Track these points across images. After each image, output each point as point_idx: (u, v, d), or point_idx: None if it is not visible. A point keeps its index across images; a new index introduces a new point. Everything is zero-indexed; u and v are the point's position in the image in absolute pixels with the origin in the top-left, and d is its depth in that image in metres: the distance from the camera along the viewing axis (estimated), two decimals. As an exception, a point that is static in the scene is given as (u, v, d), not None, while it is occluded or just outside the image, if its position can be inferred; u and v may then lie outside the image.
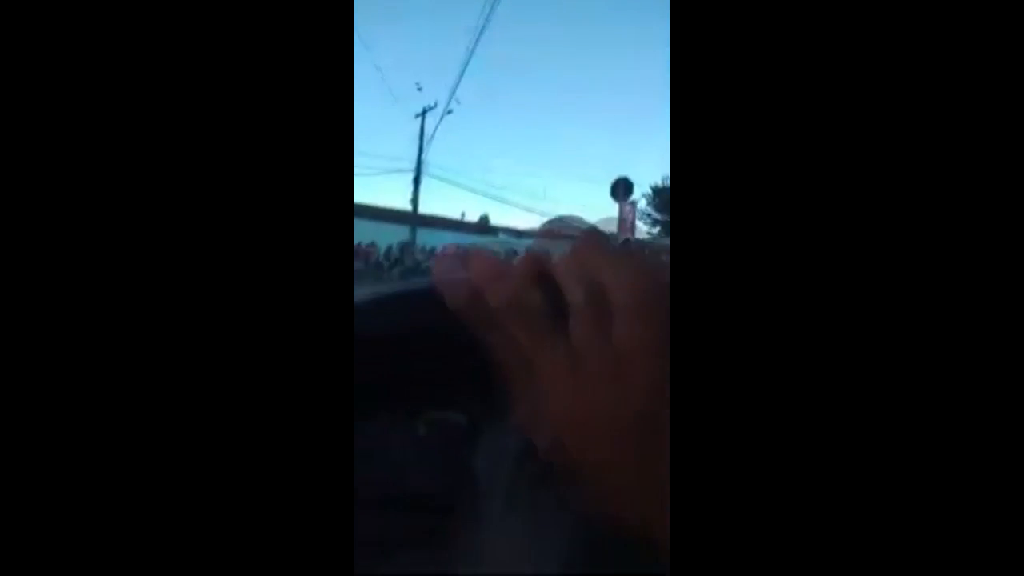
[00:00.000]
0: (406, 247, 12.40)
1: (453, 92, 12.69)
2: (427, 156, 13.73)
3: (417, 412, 0.29)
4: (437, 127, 13.60)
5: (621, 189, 8.01)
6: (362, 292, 0.26)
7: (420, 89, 14.06)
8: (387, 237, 12.05)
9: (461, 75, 12.46)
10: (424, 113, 13.68)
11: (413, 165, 13.66)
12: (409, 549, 0.26)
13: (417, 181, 13.57)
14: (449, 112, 13.21)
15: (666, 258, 0.22)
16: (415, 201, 13.71)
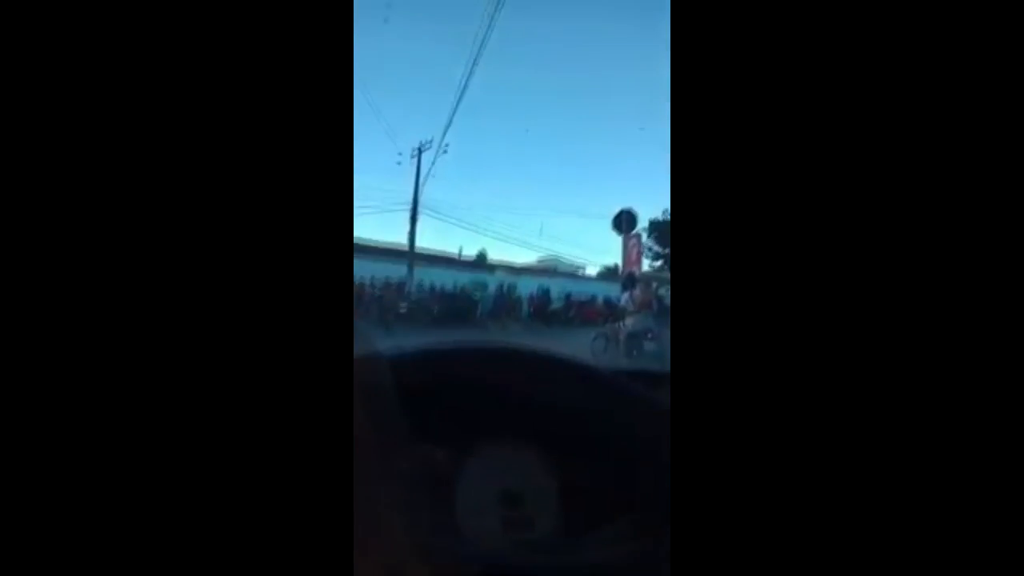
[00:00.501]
0: (402, 284, 12.14)
1: (447, 129, 12.75)
2: (423, 194, 13.68)
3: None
4: (433, 164, 13.61)
5: (624, 221, 7.86)
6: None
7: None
8: (385, 274, 11.80)
9: (453, 113, 12.57)
10: (420, 151, 13.72)
11: (409, 203, 13.57)
12: None
13: (414, 218, 13.44)
14: (445, 151, 13.26)
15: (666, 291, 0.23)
16: (412, 237, 13.54)
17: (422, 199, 13.52)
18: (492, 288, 12.78)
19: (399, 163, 13.74)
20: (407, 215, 13.41)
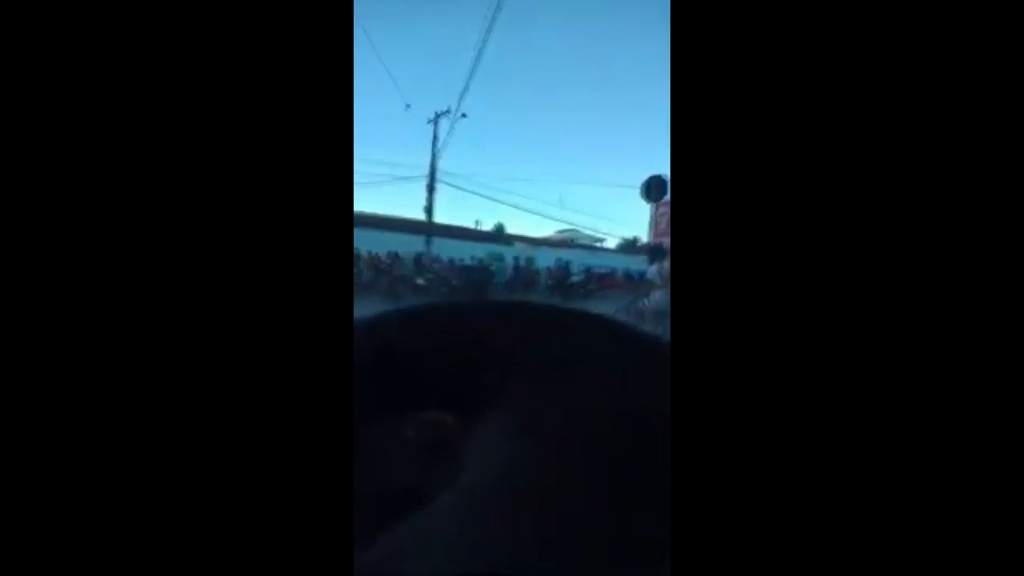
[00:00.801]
0: (421, 257, 11.99)
1: (462, 96, 12.34)
2: (440, 163, 13.37)
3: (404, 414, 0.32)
4: (449, 133, 13.25)
5: (654, 188, 7.48)
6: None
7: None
8: (402, 247, 11.67)
9: (469, 79, 12.13)
10: (436, 119, 13.34)
11: (426, 173, 13.29)
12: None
13: (431, 189, 13.18)
14: (463, 116, 12.87)
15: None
16: (429, 210, 13.32)
17: (439, 168, 13.25)
18: (510, 261, 12.56)
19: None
20: (423, 185, 13.17)
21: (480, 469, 0.28)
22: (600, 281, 12.03)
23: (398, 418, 0.29)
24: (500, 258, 12.55)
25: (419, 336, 0.31)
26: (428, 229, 13.17)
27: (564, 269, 12.86)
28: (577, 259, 14.23)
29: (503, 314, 0.33)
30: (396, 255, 10.76)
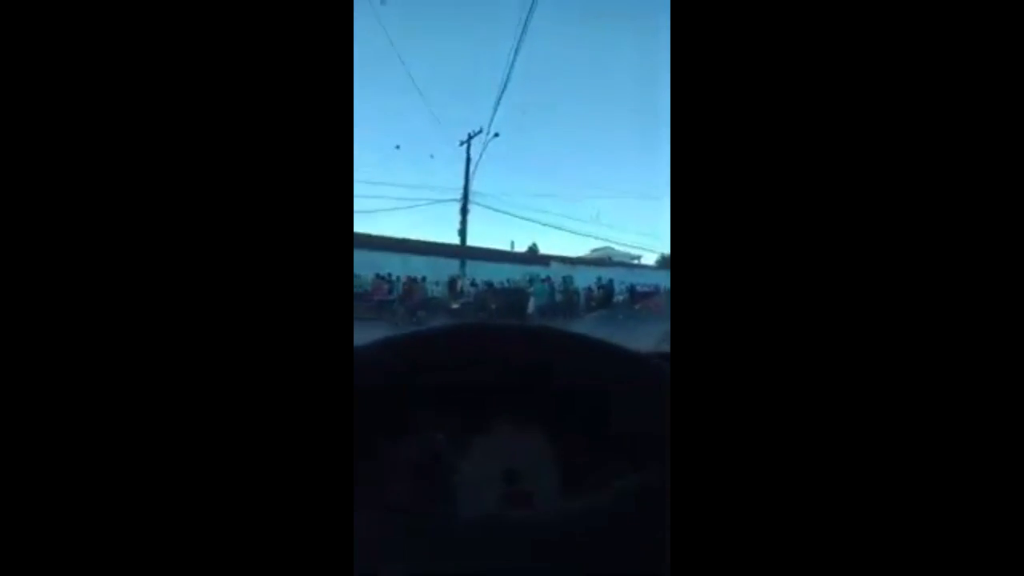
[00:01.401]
0: (455, 280, 11.60)
1: (494, 115, 12.08)
2: (474, 184, 13.09)
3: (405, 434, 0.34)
4: (483, 153, 13.00)
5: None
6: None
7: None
8: (436, 271, 11.32)
9: (500, 96, 11.88)
10: (469, 140, 13.13)
11: (459, 196, 13.02)
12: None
13: (464, 211, 12.89)
14: (495, 136, 12.60)
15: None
16: (463, 232, 13.01)
17: (472, 190, 12.97)
18: (554, 281, 12.05)
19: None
20: (457, 208, 12.89)
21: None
22: (644, 300, 11.38)
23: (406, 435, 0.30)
24: (539, 280, 12.08)
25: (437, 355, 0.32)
26: (462, 252, 12.83)
27: (606, 288, 12.26)
28: (616, 277, 13.64)
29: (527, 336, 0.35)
30: (414, 279, 10.19)
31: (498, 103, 12.15)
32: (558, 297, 11.40)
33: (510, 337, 0.35)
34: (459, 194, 12.93)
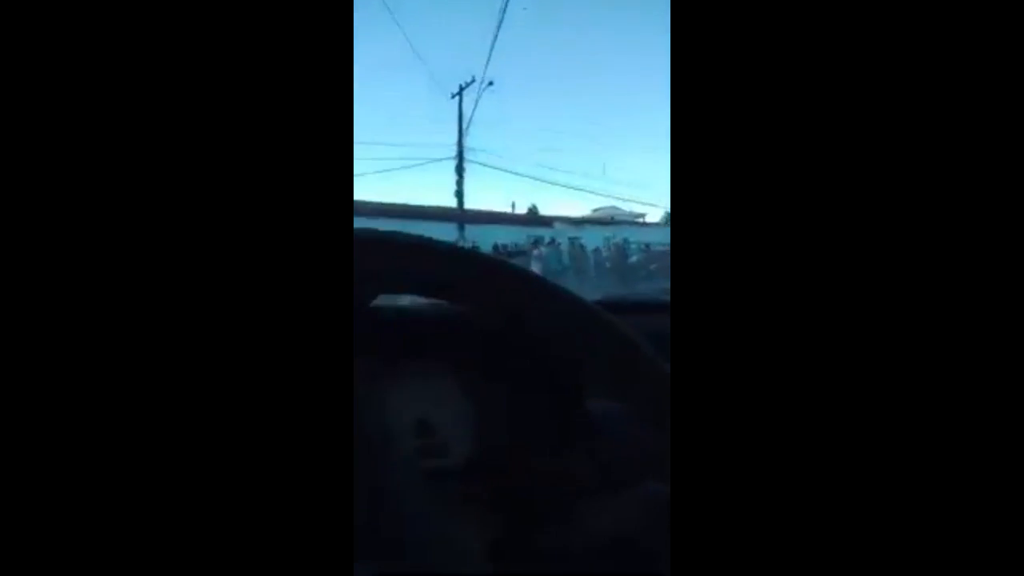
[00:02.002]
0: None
1: (488, 63, 10.79)
2: (468, 140, 11.90)
3: None
4: (476, 107, 11.76)
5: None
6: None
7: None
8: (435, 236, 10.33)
9: (493, 44, 10.57)
10: (460, 92, 11.85)
11: (454, 153, 11.84)
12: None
13: (460, 171, 11.74)
14: (489, 85, 11.34)
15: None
16: (460, 194, 11.90)
17: (467, 147, 11.78)
18: (558, 243, 11.07)
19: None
20: (452, 167, 11.75)
21: None
22: (661, 259, 10.41)
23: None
24: (543, 242, 11.10)
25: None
26: (459, 216, 11.76)
27: (621, 248, 11.27)
28: (622, 236, 12.67)
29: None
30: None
31: (492, 48, 10.83)
32: (565, 260, 10.45)
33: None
34: (453, 151, 11.76)
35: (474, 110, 11.84)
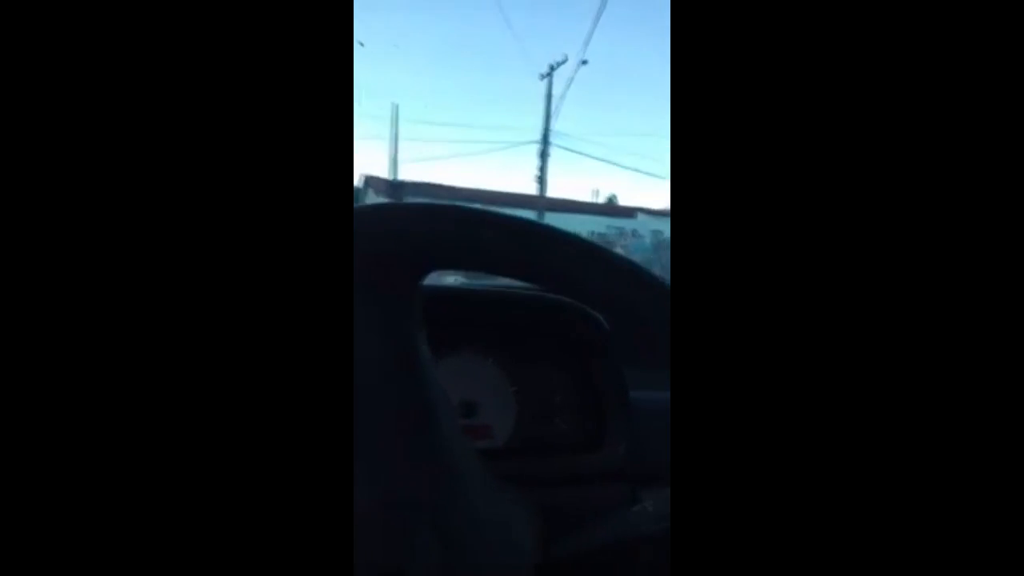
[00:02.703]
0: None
1: (587, 43, 10.25)
2: (555, 124, 11.46)
3: None
4: (568, 87, 11.27)
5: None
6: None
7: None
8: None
9: (594, 25, 9.98)
10: (551, 72, 11.40)
11: (539, 137, 11.45)
12: None
13: (544, 155, 11.35)
14: (583, 63, 10.80)
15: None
16: (542, 180, 11.52)
17: (554, 130, 11.36)
18: (643, 236, 10.46)
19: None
20: (535, 152, 11.38)
21: None
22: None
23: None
24: (626, 234, 10.53)
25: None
26: (539, 203, 11.40)
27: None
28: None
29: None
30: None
31: (596, 23, 10.27)
32: (650, 254, 9.84)
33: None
34: (538, 135, 11.37)
35: (565, 90, 11.38)
